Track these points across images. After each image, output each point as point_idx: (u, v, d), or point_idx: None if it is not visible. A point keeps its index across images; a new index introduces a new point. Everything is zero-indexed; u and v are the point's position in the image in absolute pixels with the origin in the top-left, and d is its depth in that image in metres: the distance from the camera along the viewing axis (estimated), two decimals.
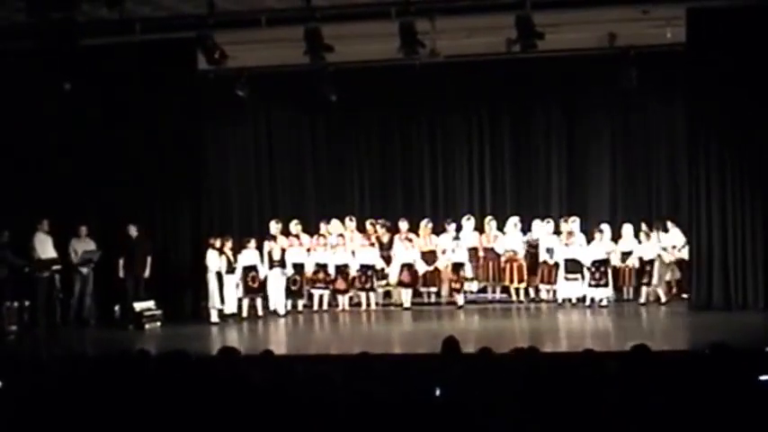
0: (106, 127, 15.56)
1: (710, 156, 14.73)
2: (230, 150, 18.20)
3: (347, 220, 16.81)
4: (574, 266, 15.68)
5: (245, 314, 15.61)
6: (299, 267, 16.10)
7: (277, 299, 15.90)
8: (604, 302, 15.55)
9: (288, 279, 16.05)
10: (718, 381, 5.86)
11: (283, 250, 16.00)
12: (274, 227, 16.44)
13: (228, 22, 14.26)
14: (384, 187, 18.37)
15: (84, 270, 15.53)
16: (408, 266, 16.13)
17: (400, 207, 17.96)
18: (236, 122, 18.08)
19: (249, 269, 15.55)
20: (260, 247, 15.87)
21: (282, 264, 15.90)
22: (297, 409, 5.83)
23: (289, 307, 16.04)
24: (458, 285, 16.06)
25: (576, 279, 15.69)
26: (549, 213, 17.05)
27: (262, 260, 15.74)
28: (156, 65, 15.32)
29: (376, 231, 16.60)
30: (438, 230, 16.60)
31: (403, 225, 16.51)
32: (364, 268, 16.13)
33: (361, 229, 16.67)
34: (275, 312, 15.82)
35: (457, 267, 16.05)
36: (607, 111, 17.49)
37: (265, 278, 15.70)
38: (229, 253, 15.39)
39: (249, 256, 15.61)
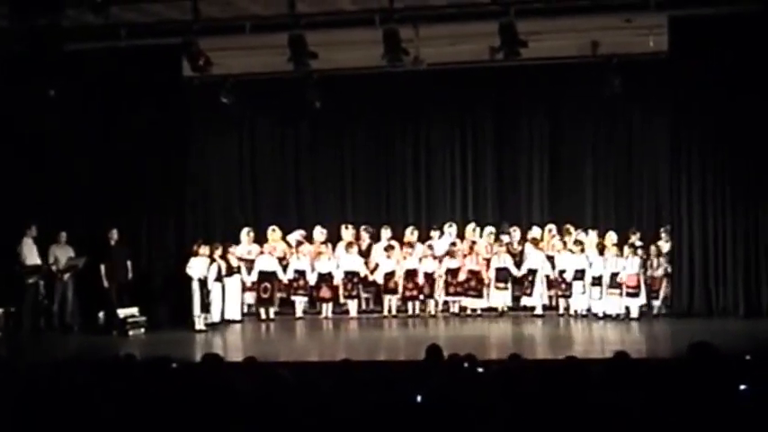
0: (90, 132, 15.54)
1: (692, 163, 14.86)
2: (214, 157, 18.19)
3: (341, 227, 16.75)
4: (504, 275, 15.75)
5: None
6: (269, 275, 15.98)
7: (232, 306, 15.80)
8: (538, 311, 15.59)
9: (259, 287, 16.01)
10: (698, 386, 5.91)
11: (240, 259, 15.92)
12: (244, 235, 16.41)
13: (213, 29, 14.26)
14: (367, 194, 18.31)
15: (65, 276, 15.50)
16: (390, 274, 16.08)
17: (384, 214, 17.92)
18: (221, 129, 18.07)
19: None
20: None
21: (239, 270, 15.86)
22: (280, 416, 5.85)
23: (264, 315, 16.02)
24: (413, 293, 15.97)
25: (506, 288, 15.77)
26: (531, 221, 17.07)
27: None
28: (141, 71, 15.28)
29: (360, 238, 16.58)
30: (422, 238, 16.55)
31: (385, 233, 16.53)
32: (349, 275, 16.10)
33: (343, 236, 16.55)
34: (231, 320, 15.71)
35: (409, 275, 15.93)
36: (590, 118, 17.48)
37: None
38: (220, 261, 15.34)
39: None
